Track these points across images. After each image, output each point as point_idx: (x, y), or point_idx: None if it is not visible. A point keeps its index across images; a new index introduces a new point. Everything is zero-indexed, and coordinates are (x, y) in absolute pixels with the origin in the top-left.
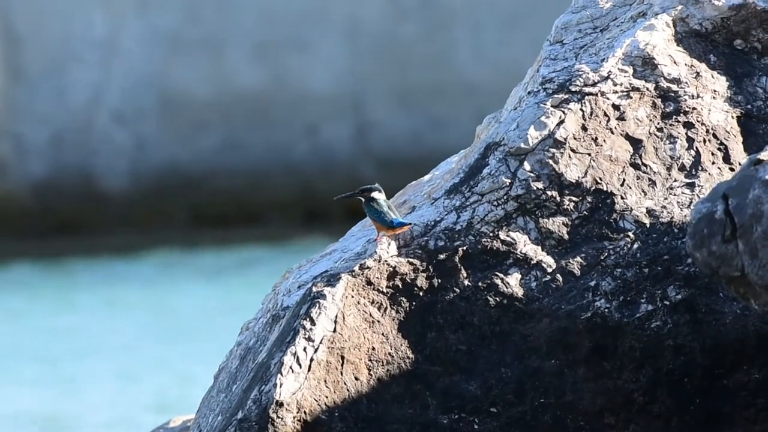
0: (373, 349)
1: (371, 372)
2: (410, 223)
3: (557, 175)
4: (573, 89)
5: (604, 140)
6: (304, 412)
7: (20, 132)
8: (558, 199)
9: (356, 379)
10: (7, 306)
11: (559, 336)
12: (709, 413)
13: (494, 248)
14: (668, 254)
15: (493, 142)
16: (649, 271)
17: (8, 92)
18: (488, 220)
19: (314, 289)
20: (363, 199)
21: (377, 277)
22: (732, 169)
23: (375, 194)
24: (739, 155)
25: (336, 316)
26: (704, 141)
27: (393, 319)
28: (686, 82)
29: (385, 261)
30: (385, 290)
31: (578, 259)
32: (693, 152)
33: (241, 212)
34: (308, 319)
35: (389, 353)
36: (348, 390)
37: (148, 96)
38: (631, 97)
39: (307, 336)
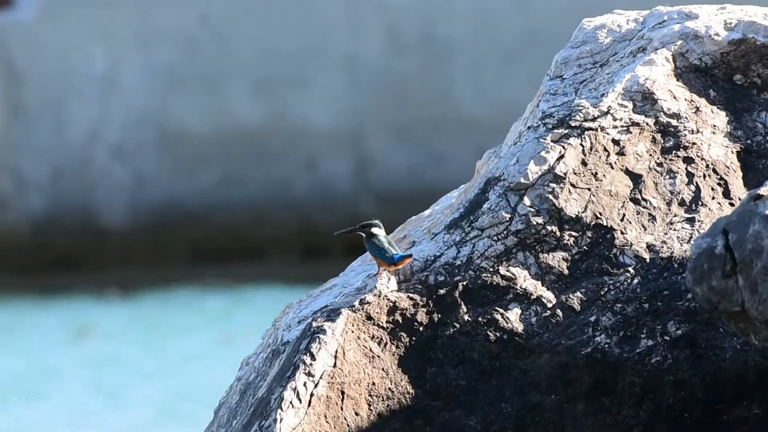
0: (373, 384)
1: (371, 407)
2: (410, 255)
3: (557, 210)
4: (573, 124)
5: (604, 175)
6: None
7: (19, 167)
8: (558, 234)
9: (356, 414)
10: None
11: (559, 371)
12: None
13: (494, 283)
14: (668, 289)
15: (493, 177)
16: (649, 306)
17: (7, 127)
18: (488, 255)
19: (314, 324)
20: (363, 235)
21: (377, 312)
22: (732, 204)
23: (375, 230)
24: (739, 190)
25: (336, 351)
26: (704, 176)
27: (393, 354)
28: (686, 117)
29: (385, 296)
30: (385, 325)
31: (578, 294)
32: (693, 187)
33: (240, 247)
34: (308, 354)
35: (389, 388)
36: (348, 425)
37: (147, 131)
38: (631, 132)
39: (307, 371)
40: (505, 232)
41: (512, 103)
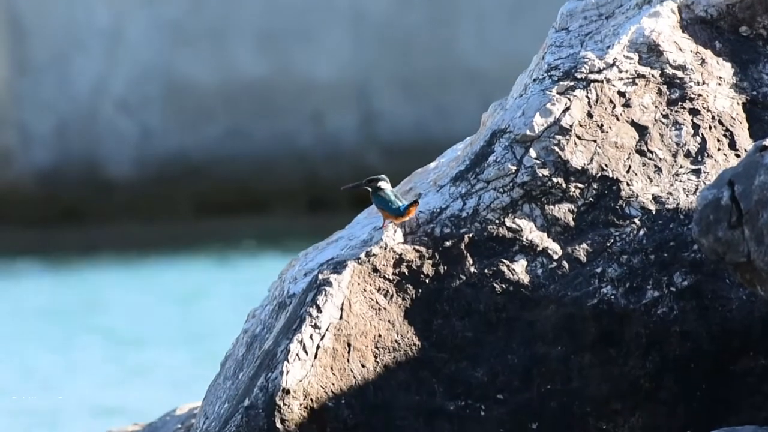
0: (380, 336)
1: (378, 359)
2: (417, 201)
3: (563, 162)
4: (578, 76)
5: (610, 127)
6: (311, 400)
7: (25, 121)
8: (564, 185)
9: (363, 366)
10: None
11: (565, 323)
12: (715, 399)
13: (500, 235)
14: (674, 241)
15: (499, 129)
16: (656, 258)
17: (13, 82)
18: (494, 207)
19: (320, 276)
20: (370, 189)
21: (383, 265)
22: (738, 156)
23: (381, 184)
24: (745, 141)
25: (342, 304)
26: (710, 127)
27: (399, 306)
28: (692, 69)
29: (391, 248)
30: (391, 277)
31: (584, 245)
32: (699, 139)
33: (246, 200)
34: (315, 307)
35: (395, 340)
36: (354, 377)
37: (152, 85)
38: (637, 84)
39: (313, 323)
40: (510, 184)
41: (517, 56)
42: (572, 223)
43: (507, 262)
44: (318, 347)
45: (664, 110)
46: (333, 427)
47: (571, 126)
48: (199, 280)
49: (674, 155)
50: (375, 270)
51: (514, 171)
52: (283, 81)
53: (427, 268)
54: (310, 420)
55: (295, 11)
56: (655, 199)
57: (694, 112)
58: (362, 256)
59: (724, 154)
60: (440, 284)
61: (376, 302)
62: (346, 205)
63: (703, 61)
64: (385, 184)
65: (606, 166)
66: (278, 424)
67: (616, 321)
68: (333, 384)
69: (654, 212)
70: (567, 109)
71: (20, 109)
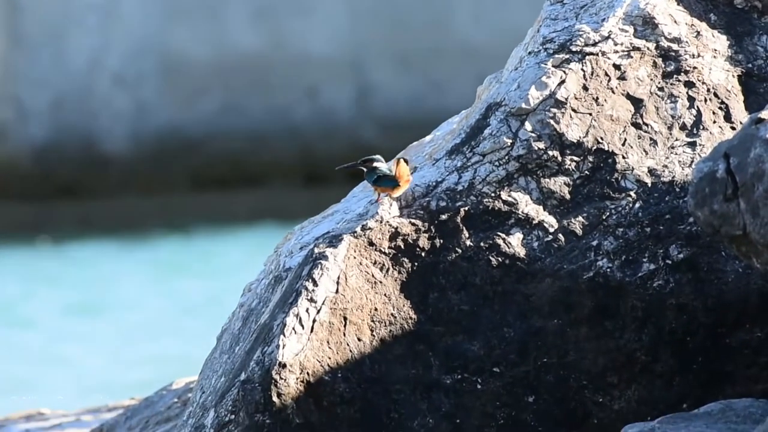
0: (376, 309)
1: (374, 333)
2: (407, 162)
3: (558, 135)
4: (574, 49)
5: (605, 100)
6: (307, 373)
7: (20, 96)
8: (559, 158)
9: (359, 339)
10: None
11: (561, 296)
12: (712, 372)
13: (496, 208)
14: (670, 213)
15: (494, 102)
16: (651, 231)
17: (8, 57)
18: (490, 180)
19: (316, 250)
20: (365, 170)
21: (379, 238)
22: (733, 128)
23: (376, 164)
24: (740, 114)
25: (338, 277)
26: (705, 100)
27: (395, 280)
28: (687, 42)
29: (387, 222)
30: (387, 251)
31: (580, 218)
32: (694, 111)
33: (241, 175)
34: (310, 280)
35: (392, 314)
36: (351, 351)
37: (147, 60)
38: (632, 57)
39: (309, 297)
40: (506, 158)
41: (512, 30)
42: (568, 196)
43: (503, 236)
44: (314, 321)
45: (659, 83)
46: (329, 401)
47: (566, 99)
48: (194, 255)
49: (670, 128)
50: (371, 243)
51: (509, 144)
52: (278, 55)
53: (423, 242)
54: (306, 393)
55: None
56: (651, 171)
57: (689, 84)
58: (358, 229)
59: (720, 127)
60: (436, 258)
61: (372, 276)
62: (341, 179)
63: (698, 33)
64: (380, 164)
65: (601, 139)
66: (275, 398)
67: (612, 294)
68: (329, 358)
69: (649, 185)
70: (562, 82)
71: (15, 84)
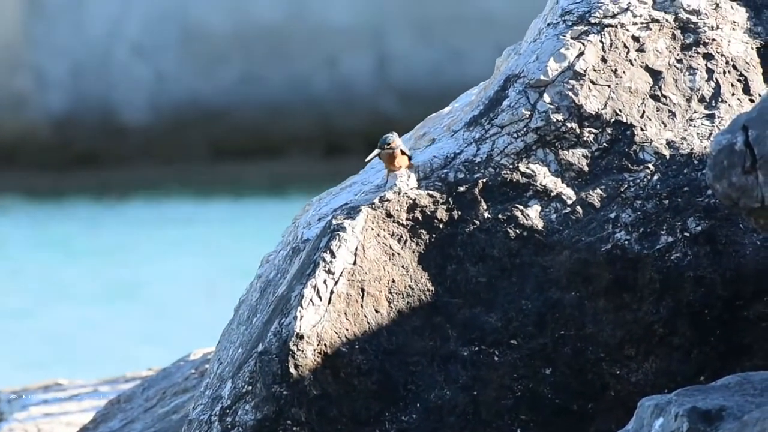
0: (393, 281)
1: (391, 304)
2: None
3: (577, 107)
4: (593, 21)
5: (624, 72)
6: (325, 345)
7: (40, 65)
8: (578, 131)
9: (376, 311)
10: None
11: (579, 268)
12: (729, 344)
13: (514, 180)
14: (688, 186)
15: (513, 74)
16: (669, 203)
17: (28, 25)
18: (508, 152)
19: (334, 221)
20: (390, 150)
21: (397, 210)
22: (752, 101)
23: (395, 141)
24: (759, 86)
25: (356, 249)
26: (724, 72)
27: (413, 252)
28: (706, 14)
29: (405, 193)
30: (405, 222)
31: (598, 191)
32: (713, 84)
33: (260, 145)
34: (328, 252)
35: (409, 285)
36: (368, 322)
37: (167, 29)
38: (651, 29)
39: (327, 268)
40: (524, 129)
41: (532, 0)
42: (586, 168)
43: (521, 208)
44: (332, 292)
45: (678, 55)
46: (346, 372)
47: (585, 71)
48: (213, 225)
49: (688, 100)
50: (389, 215)
51: (528, 116)
52: (298, 26)
53: (441, 214)
54: (323, 365)
55: None
56: (669, 144)
57: (708, 56)
58: (376, 201)
59: (738, 99)
60: (454, 229)
61: (390, 247)
62: (359, 149)
63: (717, 5)
64: (395, 140)
65: (620, 111)
66: (292, 370)
67: (629, 266)
68: (347, 329)
69: (668, 157)
70: (581, 54)
71: (35, 53)
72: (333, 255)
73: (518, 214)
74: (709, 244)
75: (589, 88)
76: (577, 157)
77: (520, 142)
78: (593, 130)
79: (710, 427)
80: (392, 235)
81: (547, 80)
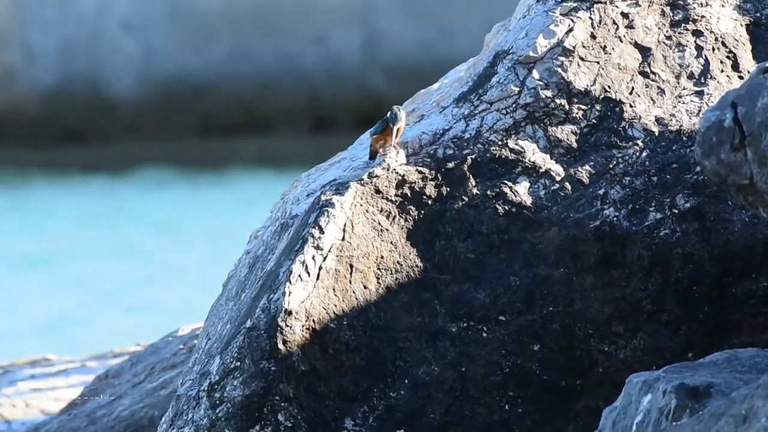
0: (382, 257)
1: (380, 280)
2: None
3: (566, 83)
4: None
5: (613, 48)
6: (313, 321)
7: (29, 40)
8: (567, 107)
9: (365, 287)
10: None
11: (567, 244)
12: (717, 321)
13: (503, 156)
14: (677, 162)
15: (502, 50)
16: (658, 180)
17: (16, 1)
18: (497, 128)
19: (323, 197)
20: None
21: (386, 186)
22: (741, 78)
23: (403, 121)
24: (748, 63)
25: (345, 225)
26: (713, 49)
27: (401, 228)
28: None
29: (394, 169)
30: (393, 199)
31: (587, 167)
32: (702, 60)
33: (249, 121)
34: (317, 228)
35: (398, 261)
36: (357, 298)
37: (156, 4)
38: (640, 5)
39: (315, 244)
40: (513, 106)
41: None
42: (575, 145)
43: (510, 184)
44: (320, 268)
45: (667, 32)
46: (335, 348)
47: (574, 47)
48: (202, 201)
49: (677, 77)
50: (377, 191)
51: (517, 92)
52: (287, 1)
53: (430, 190)
54: (312, 341)
55: None
56: (658, 120)
57: (697, 33)
58: (365, 177)
59: (728, 76)
60: (442, 206)
61: (379, 223)
62: (348, 125)
63: None
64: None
65: (609, 87)
66: (280, 345)
67: (618, 243)
68: (335, 305)
69: (657, 134)
70: (570, 30)
71: (24, 28)
72: (322, 231)
73: (507, 190)
74: (698, 220)
75: (578, 65)
76: (566, 133)
77: (509, 118)
78: (582, 107)
79: (698, 403)
80: (381, 211)
81: (537, 56)
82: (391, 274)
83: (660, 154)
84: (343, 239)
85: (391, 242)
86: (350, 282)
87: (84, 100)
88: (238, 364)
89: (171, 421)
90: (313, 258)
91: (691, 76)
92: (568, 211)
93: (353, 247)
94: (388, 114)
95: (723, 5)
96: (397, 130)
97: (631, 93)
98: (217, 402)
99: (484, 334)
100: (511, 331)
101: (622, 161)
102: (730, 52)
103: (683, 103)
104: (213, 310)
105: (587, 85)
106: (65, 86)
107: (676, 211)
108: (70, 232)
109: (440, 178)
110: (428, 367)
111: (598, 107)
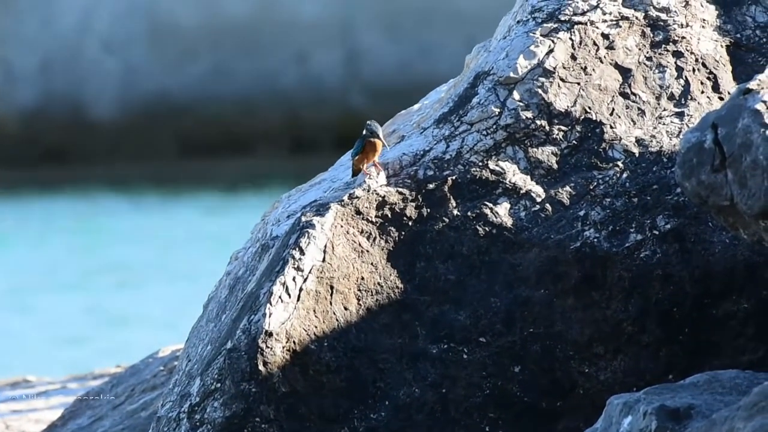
0: (362, 278)
1: (360, 302)
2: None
3: (546, 104)
4: (562, 18)
5: (594, 69)
6: (294, 342)
7: (8, 59)
8: (547, 128)
9: (345, 308)
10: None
11: (548, 266)
12: (698, 343)
13: (483, 177)
14: (657, 184)
15: (482, 71)
16: (638, 201)
17: None
18: (477, 149)
19: (303, 218)
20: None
21: (366, 207)
22: (721, 99)
23: (373, 125)
24: (729, 84)
25: (325, 246)
26: (693, 70)
27: (382, 249)
28: (675, 11)
29: (374, 191)
30: (374, 220)
31: (567, 188)
32: (682, 81)
33: (229, 140)
34: (297, 249)
35: (378, 283)
36: (337, 320)
37: (137, 23)
38: (621, 26)
39: (296, 266)
40: (494, 127)
41: None
42: (555, 166)
43: (490, 205)
44: (301, 290)
45: (647, 53)
46: (315, 370)
47: (554, 68)
48: (181, 222)
49: (658, 98)
50: (358, 212)
51: (497, 113)
52: (267, 20)
53: (410, 211)
54: (292, 362)
55: None
56: (639, 141)
57: (677, 54)
58: (345, 198)
59: (708, 97)
60: (423, 227)
61: (359, 245)
62: (329, 145)
63: (687, 3)
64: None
65: (589, 108)
66: (261, 367)
67: (598, 264)
68: (316, 327)
69: (637, 155)
70: (551, 51)
71: (4, 47)
72: (302, 252)
73: (487, 211)
74: (678, 242)
75: (559, 86)
76: (546, 154)
77: (490, 139)
78: (563, 128)
79: (679, 425)
80: (361, 232)
81: (517, 77)
82: (372, 295)
83: (640, 176)
84: (324, 260)
85: (372, 263)
86: (331, 303)
87: (64, 119)
88: (219, 385)
89: None
90: (294, 279)
91: (671, 97)
92: (548, 233)
93: (334, 269)
94: (364, 131)
95: (703, 26)
96: (378, 144)
97: (611, 114)
98: (198, 423)
99: (465, 356)
100: (491, 353)
101: (603, 182)
102: (711, 73)
103: (663, 124)
104: (193, 331)
105: (568, 106)
106: (45, 105)
107: (656, 232)
108: (53, 251)
109: (421, 200)
110: (409, 388)
111: (578, 128)
